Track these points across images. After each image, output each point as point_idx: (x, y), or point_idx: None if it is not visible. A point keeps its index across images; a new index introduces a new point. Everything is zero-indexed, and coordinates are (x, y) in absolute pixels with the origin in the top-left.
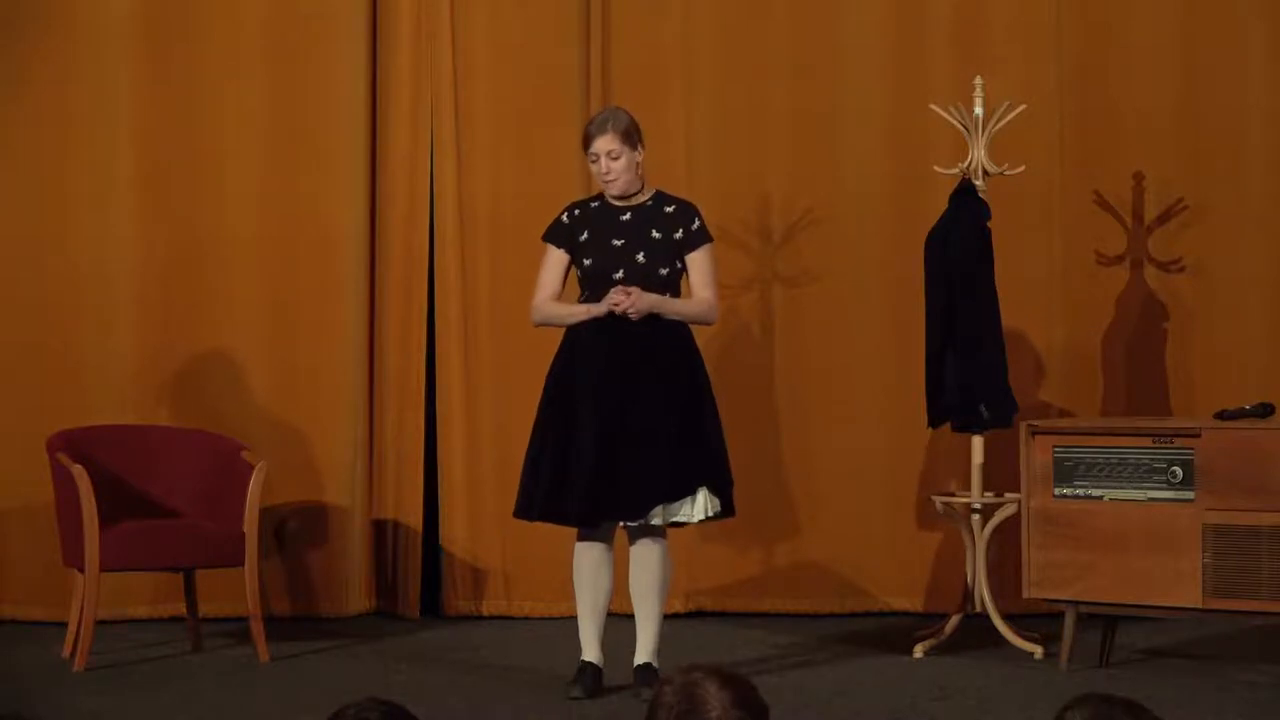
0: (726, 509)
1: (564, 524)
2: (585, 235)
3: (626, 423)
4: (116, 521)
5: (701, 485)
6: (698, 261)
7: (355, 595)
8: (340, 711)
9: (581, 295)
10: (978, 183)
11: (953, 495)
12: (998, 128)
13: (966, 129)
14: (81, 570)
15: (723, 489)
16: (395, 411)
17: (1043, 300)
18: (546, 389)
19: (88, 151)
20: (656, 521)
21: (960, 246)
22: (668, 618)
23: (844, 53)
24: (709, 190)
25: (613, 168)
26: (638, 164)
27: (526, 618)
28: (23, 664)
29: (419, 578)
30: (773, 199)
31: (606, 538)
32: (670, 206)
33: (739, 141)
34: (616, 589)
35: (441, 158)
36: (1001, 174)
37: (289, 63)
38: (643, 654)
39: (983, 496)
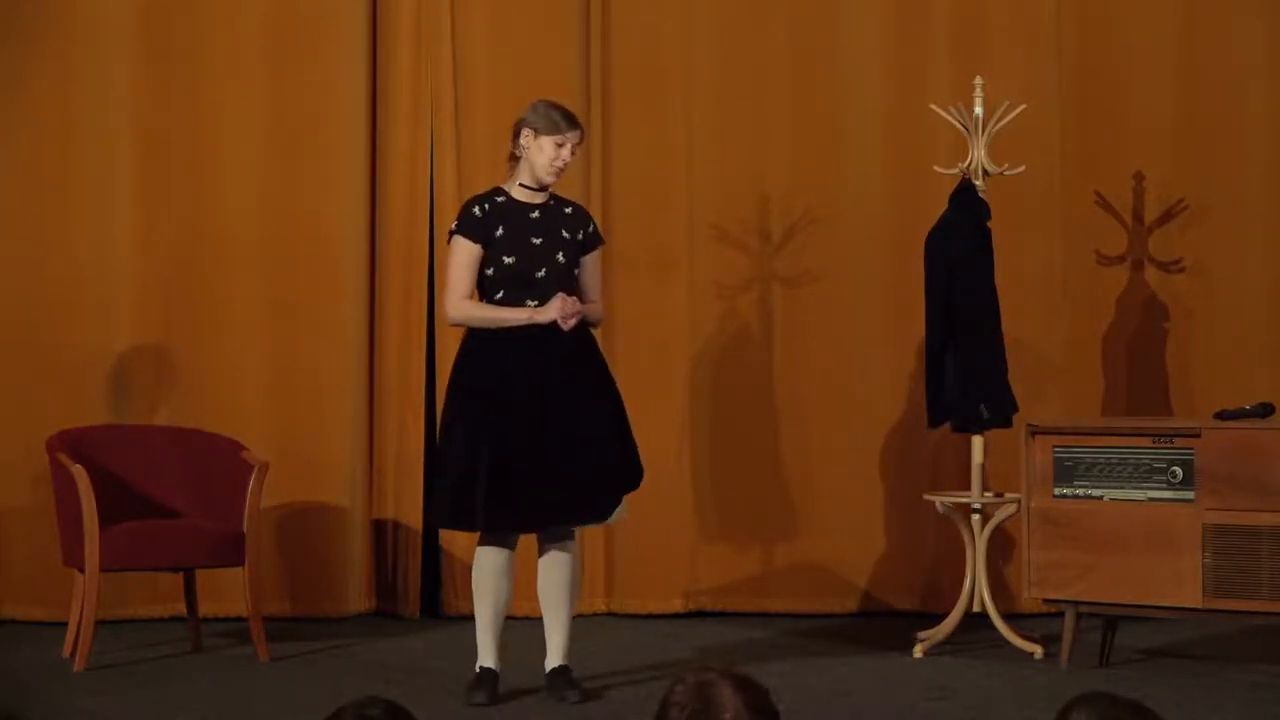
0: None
1: (514, 531)
2: (501, 231)
3: (571, 427)
4: (116, 521)
5: (628, 488)
6: (593, 264)
7: (355, 595)
8: (341, 709)
9: (495, 294)
10: (978, 183)
11: (953, 495)
12: (998, 128)
13: (966, 129)
14: (81, 570)
15: (633, 489)
16: (395, 411)
17: (1043, 300)
18: (468, 393)
19: (88, 151)
20: (610, 521)
21: (960, 246)
22: (667, 617)
23: (844, 53)
24: (709, 190)
25: (569, 161)
26: None
27: (526, 618)
28: (23, 664)
29: (419, 578)
30: (773, 199)
31: (513, 544)
32: (569, 208)
33: (739, 141)
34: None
35: (441, 158)
36: (1001, 174)
37: (289, 63)
38: (557, 656)
39: (983, 496)
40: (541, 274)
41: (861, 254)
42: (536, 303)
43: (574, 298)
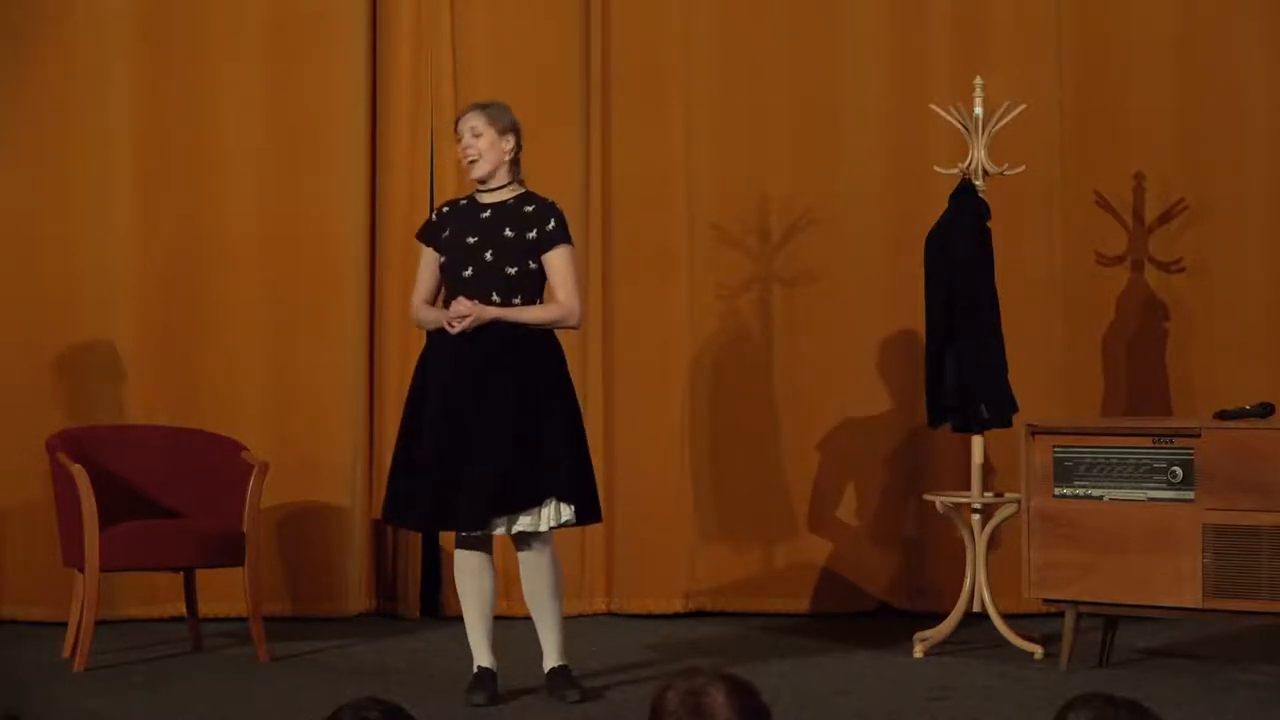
0: (587, 515)
1: (408, 529)
2: (448, 233)
3: (468, 432)
4: (116, 521)
5: (547, 498)
6: (553, 263)
7: (355, 595)
8: (339, 711)
9: (449, 295)
10: (978, 183)
11: (953, 495)
12: (998, 128)
13: (966, 129)
14: (81, 570)
15: (575, 499)
16: (395, 412)
17: (1043, 300)
18: (409, 393)
19: (88, 151)
20: (500, 531)
21: (960, 246)
22: (667, 617)
23: (844, 53)
24: (709, 190)
25: (474, 144)
26: (504, 151)
27: (526, 618)
28: (23, 664)
29: (419, 578)
30: (772, 199)
31: (484, 545)
32: (530, 206)
33: (739, 141)
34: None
35: (441, 158)
36: (1001, 174)
37: (289, 63)
38: (554, 657)
39: (983, 496)
40: (468, 273)
41: (861, 254)
42: None
43: (473, 303)
